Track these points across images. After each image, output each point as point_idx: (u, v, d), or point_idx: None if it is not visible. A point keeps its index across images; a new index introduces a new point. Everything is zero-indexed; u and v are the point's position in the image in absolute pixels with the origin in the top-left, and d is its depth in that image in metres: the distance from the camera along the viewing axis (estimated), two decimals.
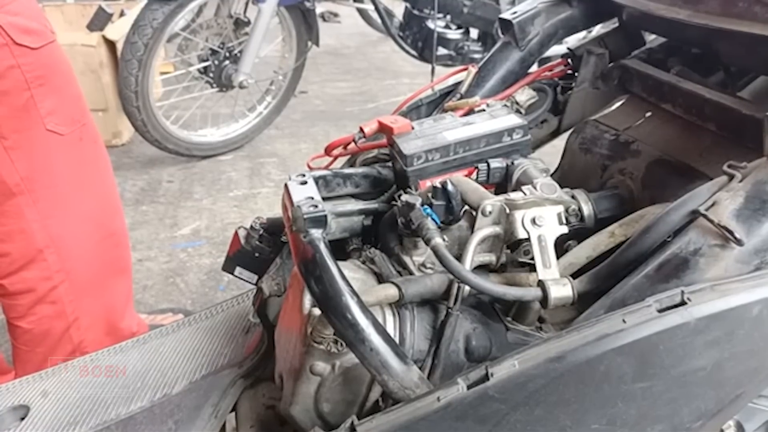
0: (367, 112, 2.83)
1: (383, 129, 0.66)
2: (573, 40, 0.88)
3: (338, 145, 0.71)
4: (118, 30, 2.28)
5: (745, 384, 0.46)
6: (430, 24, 2.51)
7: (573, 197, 0.59)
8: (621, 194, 0.64)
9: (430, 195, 0.55)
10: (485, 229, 0.54)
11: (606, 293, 0.48)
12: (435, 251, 0.50)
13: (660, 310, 0.42)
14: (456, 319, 0.52)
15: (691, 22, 0.60)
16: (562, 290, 0.48)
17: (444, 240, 0.52)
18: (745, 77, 0.75)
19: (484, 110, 0.69)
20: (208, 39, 2.26)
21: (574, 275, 0.51)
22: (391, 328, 0.53)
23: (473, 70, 0.81)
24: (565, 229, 0.53)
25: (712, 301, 0.42)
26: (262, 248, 0.77)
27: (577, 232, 0.59)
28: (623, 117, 0.71)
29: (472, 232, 0.55)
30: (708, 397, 0.46)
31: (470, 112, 0.72)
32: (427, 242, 0.51)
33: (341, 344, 0.51)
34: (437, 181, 0.56)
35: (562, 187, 0.57)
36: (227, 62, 2.24)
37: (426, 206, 0.54)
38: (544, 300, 0.48)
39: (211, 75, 2.26)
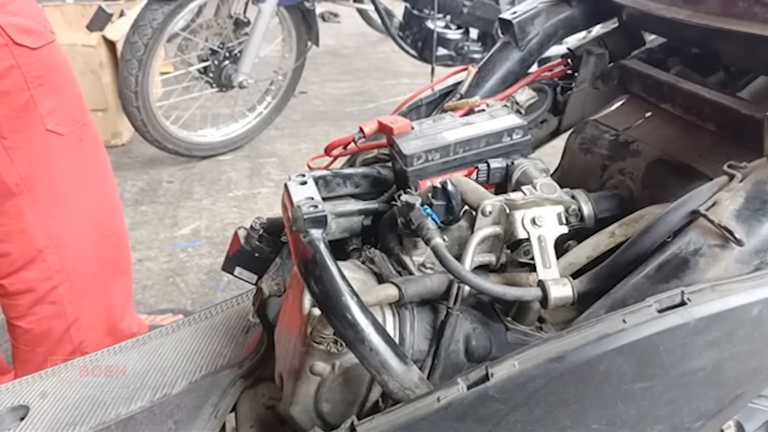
0: (366, 112, 2.83)
1: (383, 129, 0.66)
2: (573, 40, 0.88)
3: (338, 145, 0.71)
4: (117, 30, 2.28)
5: (745, 384, 0.46)
6: (430, 24, 2.52)
7: (573, 197, 0.59)
8: (621, 194, 0.64)
9: (430, 195, 0.55)
10: (485, 229, 0.54)
11: (606, 293, 0.48)
12: (435, 251, 0.50)
13: (660, 311, 0.42)
14: (456, 319, 0.52)
15: (691, 22, 0.60)
16: (562, 290, 0.48)
17: (444, 240, 0.52)
18: (745, 77, 0.75)
19: (483, 110, 0.69)
20: (208, 39, 2.26)
21: (574, 275, 0.51)
22: (390, 328, 0.53)
23: (473, 70, 0.81)
24: (565, 229, 0.53)
25: (712, 302, 0.42)
26: (262, 248, 0.77)
27: (577, 232, 0.59)
28: (623, 117, 0.71)
29: (472, 232, 0.55)
30: (708, 398, 0.46)
31: (470, 112, 0.72)
32: (427, 242, 0.51)
33: (341, 344, 0.50)
34: (437, 181, 0.56)
35: (562, 187, 0.57)
36: (227, 62, 2.24)
37: (426, 206, 0.54)
38: (544, 300, 0.48)
39: (210, 75, 2.26)
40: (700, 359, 0.43)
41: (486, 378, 0.42)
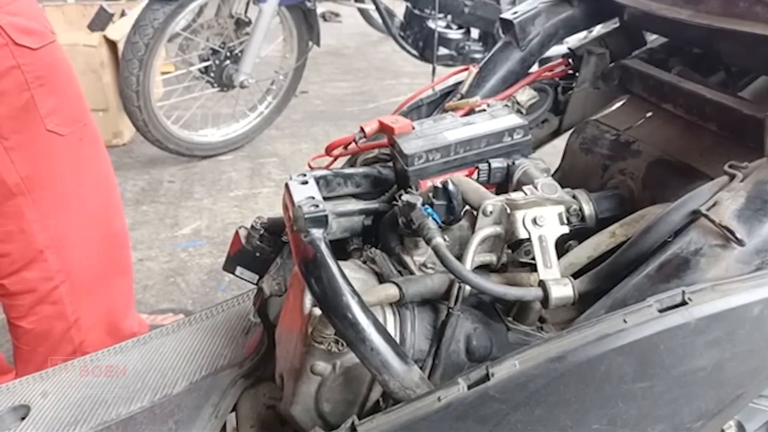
0: (367, 112, 2.83)
1: (384, 129, 0.66)
2: (574, 40, 0.88)
3: (339, 144, 0.71)
4: (119, 30, 2.28)
5: (746, 384, 0.46)
6: (431, 24, 2.52)
7: (574, 197, 0.59)
8: (622, 194, 0.64)
9: (430, 195, 0.55)
10: (486, 229, 0.54)
11: (607, 293, 0.48)
12: (436, 251, 0.50)
13: (661, 310, 0.42)
14: (457, 319, 0.52)
15: (692, 22, 0.59)
16: (562, 290, 0.48)
17: (445, 240, 0.52)
18: (746, 77, 0.75)
19: (484, 110, 0.69)
20: (209, 39, 2.26)
21: (575, 275, 0.51)
22: (391, 327, 0.53)
23: (474, 70, 0.81)
24: (566, 229, 0.53)
25: (712, 301, 0.42)
26: (263, 248, 0.77)
27: (578, 232, 0.59)
28: (624, 117, 0.71)
29: (473, 232, 0.55)
30: (709, 397, 0.45)
31: (471, 112, 0.72)
32: (428, 242, 0.51)
33: (342, 344, 0.50)
34: (438, 181, 0.56)
35: (563, 187, 0.57)
36: (228, 62, 2.24)
37: (427, 206, 0.54)
38: (545, 300, 0.48)
39: (212, 75, 2.26)
40: (700, 359, 0.43)
41: (487, 378, 0.42)
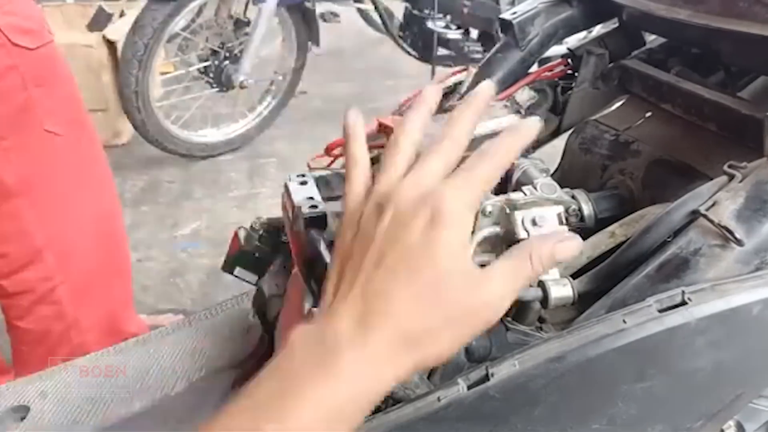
0: (367, 112, 2.81)
1: (383, 129, 0.66)
2: (573, 40, 0.88)
3: (339, 145, 0.71)
4: (118, 30, 2.28)
5: (746, 384, 0.46)
6: (430, 24, 2.52)
7: (573, 197, 0.59)
8: (621, 194, 0.64)
9: None
10: (485, 229, 0.54)
11: (606, 293, 0.48)
12: None
13: (660, 310, 0.42)
14: None
15: (691, 22, 0.60)
16: (562, 290, 0.48)
17: None
18: (745, 77, 0.75)
19: None
20: (209, 39, 2.26)
21: (575, 275, 0.51)
22: None
23: (473, 70, 0.81)
24: (565, 230, 0.53)
25: (712, 301, 0.42)
26: (262, 249, 0.77)
27: (577, 232, 0.58)
28: (623, 117, 0.71)
29: (472, 232, 0.55)
30: (708, 397, 0.46)
31: None
32: None
33: None
34: None
35: (562, 187, 0.57)
36: (227, 62, 2.25)
37: None
38: (545, 300, 0.48)
39: (211, 75, 2.26)
40: (700, 359, 0.43)
41: (486, 378, 0.42)
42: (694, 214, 0.46)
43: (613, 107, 0.74)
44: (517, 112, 0.78)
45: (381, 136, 0.69)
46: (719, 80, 0.74)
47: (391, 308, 0.36)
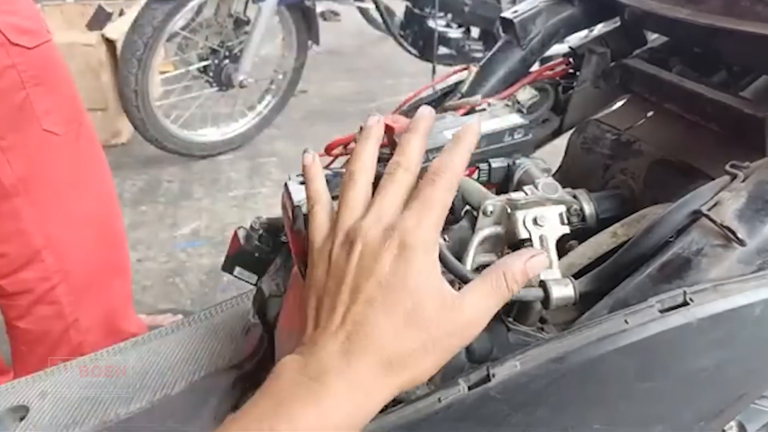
0: (367, 111, 2.82)
1: (383, 128, 0.65)
2: (574, 39, 0.88)
3: (338, 144, 0.71)
4: (117, 29, 2.28)
5: (748, 385, 0.46)
6: (431, 23, 2.52)
7: (575, 197, 0.59)
8: (623, 194, 0.64)
9: None
10: (486, 229, 0.54)
11: (608, 293, 0.48)
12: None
13: (662, 311, 0.42)
14: None
15: (693, 21, 0.59)
16: (563, 290, 0.48)
17: (445, 240, 0.52)
18: (747, 77, 0.75)
19: (485, 109, 0.69)
20: (208, 38, 2.26)
21: (576, 275, 0.51)
22: None
23: (474, 69, 0.81)
24: (566, 229, 0.53)
25: (714, 302, 0.42)
26: (262, 248, 0.77)
27: (579, 232, 0.58)
28: (625, 116, 0.71)
29: (474, 232, 0.54)
30: (710, 398, 0.45)
31: (471, 111, 0.72)
32: None
33: None
34: None
35: (563, 186, 0.57)
36: (227, 61, 2.24)
37: None
38: (546, 300, 0.48)
39: (210, 74, 2.26)
40: (702, 359, 0.43)
41: (487, 378, 0.42)
42: (696, 214, 0.46)
43: (615, 107, 0.74)
44: (519, 111, 0.78)
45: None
46: (721, 79, 0.74)
47: (371, 337, 0.38)
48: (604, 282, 0.49)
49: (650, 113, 0.69)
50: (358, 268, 0.40)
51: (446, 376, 0.50)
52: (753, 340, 0.43)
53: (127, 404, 0.66)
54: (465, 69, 0.82)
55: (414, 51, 2.61)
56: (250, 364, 0.69)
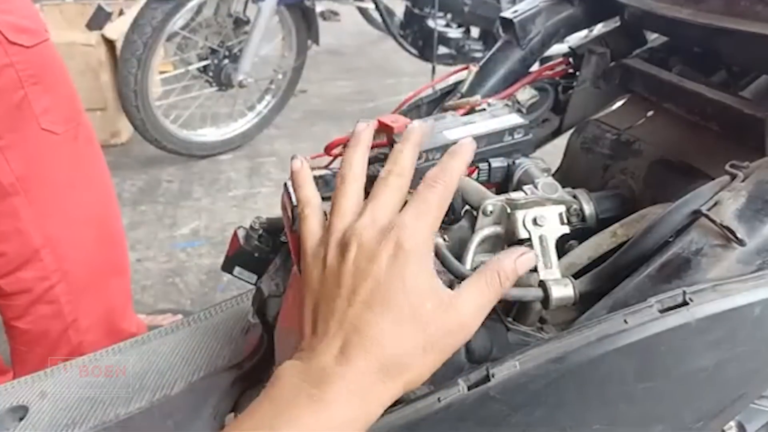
0: (367, 111, 2.83)
1: (383, 128, 0.65)
2: (574, 39, 0.88)
3: (338, 144, 0.71)
4: (117, 29, 2.28)
5: (747, 385, 0.46)
6: (431, 23, 2.52)
7: (574, 197, 0.59)
8: (623, 194, 0.64)
9: None
10: (486, 228, 0.54)
11: (608, 293, 0.48)
12: (435, 251, 0.50)
13: (662, 311, 0.42)
14: None
15: (693, 21, 0.59)
16: (563, 290, 0.48)
17: (444, 240, 0.52)
18: (747, 76, 0.75)
19: (484, 109, 0.69)
20: (208, 38, 2.26)
21: (576, 275, 0.51)
22: None
23: (474, 69, 0.81)
24: (566, 229, 0.53)
25: (714, 302, 0.42)
26: (262, 248, 0.77)
27: (579, 232, 0.58)
28: (625, 116, 0.71)
29: (473, 231, 0.54)
30: (709, 398, 0.45)
31: (471, 111, 0.72)
32: None
33: None
34: None
35: (563, 186, 0.57)
36: (227, 61, 2.24)
37: None
38: (546, 300, 0.48)
39: (210, 74, 2.26)
40: (701, 359, 0.43)
41: (487, 378, 0.42)
42: (696, 214, 0.46)
43: (615, 106, 0.74)
44: (518, 111, 0.78)
45: (382, 135, 0.69)
46: (721, 79, 0.74)
47: (369, 339, 0.38)
48: (604, 282, 0.49)
49: (650, 113, 0.69)
50: (353, 270, 0.40)
51: (446, 376, 0.50)
52: (752, 340, 0.43)
53: (127, 404, 0.66)
54: (465, 69, 0.82)
55: (414, 51, 2.61)
56: (250, 364, 0.69)
